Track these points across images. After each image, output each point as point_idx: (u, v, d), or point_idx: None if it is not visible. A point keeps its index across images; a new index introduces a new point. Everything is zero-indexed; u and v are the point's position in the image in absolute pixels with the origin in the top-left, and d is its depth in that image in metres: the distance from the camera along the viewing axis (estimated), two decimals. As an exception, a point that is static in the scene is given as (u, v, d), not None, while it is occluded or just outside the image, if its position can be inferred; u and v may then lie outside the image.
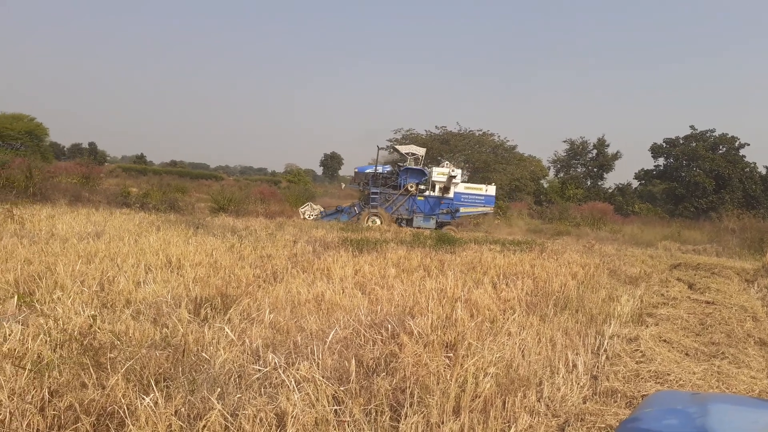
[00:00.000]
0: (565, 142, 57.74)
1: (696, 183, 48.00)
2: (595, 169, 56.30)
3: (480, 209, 28.14)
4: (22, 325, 4.68)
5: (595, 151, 56.25)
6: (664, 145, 52.47)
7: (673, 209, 47.64)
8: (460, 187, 27.69)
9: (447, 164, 28.26)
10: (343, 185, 32.61)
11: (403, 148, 28.36)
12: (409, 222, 26.83)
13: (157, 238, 11.10)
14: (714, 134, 50.12)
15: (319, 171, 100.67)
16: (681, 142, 51.29)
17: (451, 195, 27.28)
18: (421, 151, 28.41)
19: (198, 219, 18.31)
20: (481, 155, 50.61)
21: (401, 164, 28.26)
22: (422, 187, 27.35)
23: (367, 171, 28.58)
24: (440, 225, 27.07)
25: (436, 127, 51.77)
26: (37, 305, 5.43)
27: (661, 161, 53.57)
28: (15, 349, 4.21)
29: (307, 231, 17.08)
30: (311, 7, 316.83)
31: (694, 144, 50.21)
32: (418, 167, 27.53)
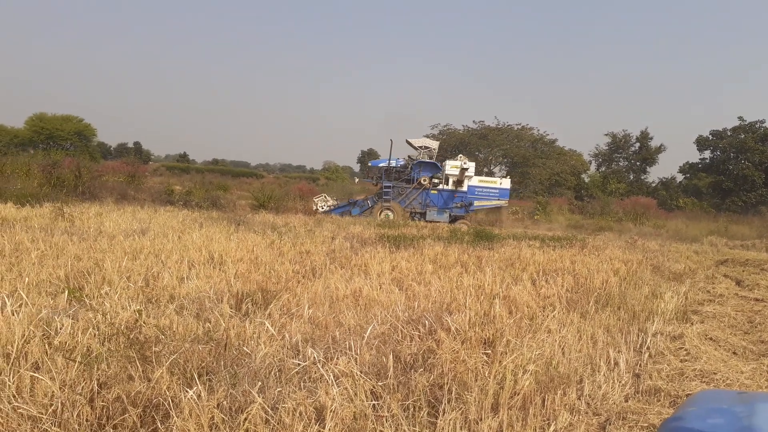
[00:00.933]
0: (606, 135, 56.67)
1: (744, 176, 46.39)
2: (637, 163, 54.99)
3: (494, 202, 27.79)
4: (72, 319, 4.86)
5: (638, 145, 54.93)
6: (711, 137, 50.81)
7: (719, 203, 46.15)
8: (474, 181, 27.39)
9: (461, 157, 27.91)
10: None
11: (417, 142, 28.07)
12: (423, 215, 26.57)
13: (200, 235, 11.34)
14: (764, 125, 48.24)
15: (357, 168, 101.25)
16: (729, 134, 49.56)
17: (464, 188, 27.02)
18: (434, 145, 28.15)
19: (239, 216, 18.63)
20: (519, 149, 50.05)
21: (415, 158, 28.00)
22: (436, 180, 27.11)
23: (381, 165, 28.45)
24: (454, 219, 26.78)
25: (473, 121, 51.53)
26: (86, 300, 5.62)
27: (707, 154, 51.95)
28: (66, 342, 4.38)
29: (344, 227, 17.19)
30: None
31: (742, 136, 48.44)
32: (431, 161, 27.28)
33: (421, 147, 27.76)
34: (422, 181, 26.67)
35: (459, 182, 26.78)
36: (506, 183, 27.90)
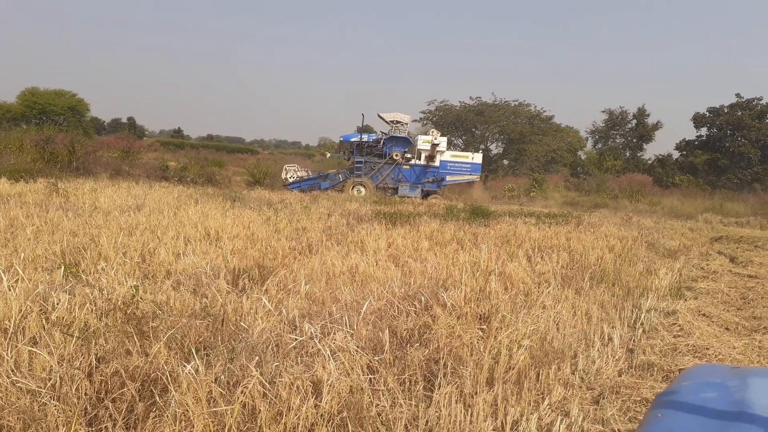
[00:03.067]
0: (603, 112, 56.26)
1: (740, 153, 46.33)
2: (634, 140, 54.83)
3: (466, 177, 27.73)
4: (69, 294, 4.87)
5: (634, 122, 54.69)
6: (708, 114, 50.51)
7: (715, 181, 46.17)
8: (447, 155, 27.23)
9: (432, 132, 27.71)
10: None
11: (388, 116, 27.56)
12: (395, 191, 26.45)
13: (196, 211, 11.32)
14: (761, 102, 47.95)
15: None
16: (725, 111, 49.29)
17: (437, 163, 26.92)
18: (406, 119, 27.74)
19: (235, 192, 18.58)
20: (516, 126, 49.81)
21: (386, 133, 27.75)
22: (408, 155, 26.96)
23: (352, 139, 27.85)
24: (426, 194, 26.70)
25: (470, 97, 51.05)
26: (82, 275, 5.62)
27: (703, 131, 51.67)
28: (63, 318, 4.39)
29: (340, 204, 17.18)
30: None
31: (739, 113, 48.13)
32: (403, 135, 27.04)
33: (392, 122, 27.32)
34: (394, 156, 26.48)
35: (431, 157, 26.63)
36: (478, 158, 27.82)
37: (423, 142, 26.83)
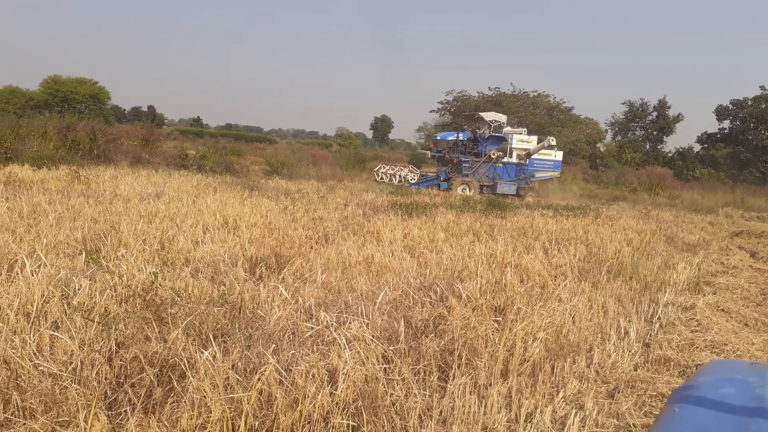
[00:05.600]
0: (623, 104, 55.51)
1: (764, 147, 45.52)
2: (654, 133, 54.02)
3: (549, 174, 28.09)
4: (90, 280, 4.95)
5: (655, 114, 53.83)
6: (731, 106, 49.64)
7: (737, 174, 45.40)
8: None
9: (524, 131, 28.18)
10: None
11: (488, 116, 28.17)
12: (492, 188, 26.68)
13: (214, 200, 11.42)
14: (787, 95, 47.10)
15: (370, 134, 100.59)
16: (749, 103, 48.36)
17: (526, 161, 27.33)
18: (503, 119, 28.28)
19: (252, 181, 18.69)
20: (535, 117, 49.31)
21: (477, 131, 28.14)
22: (500, 153, 27.23)
23: (449, 138, 28.66)
24: (517, 191, 27.09)
25: (489, 88, 50.62)
26: (103, 262, 5.71)
27: (726, 124, 50.84)
28: (84, 303, 4.48)
29: (357, 194, 17.21)
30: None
31: (764, 105, 47.24)
32: (500, 134, 27.41)
33: (492, 121, 27.81)
34: (492, 155, 26.75)
35: (528, 155, 27.03)
36: (559, 155, 28.22)
37: (518, 141, 27.21)
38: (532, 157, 27.17)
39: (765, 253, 11.75)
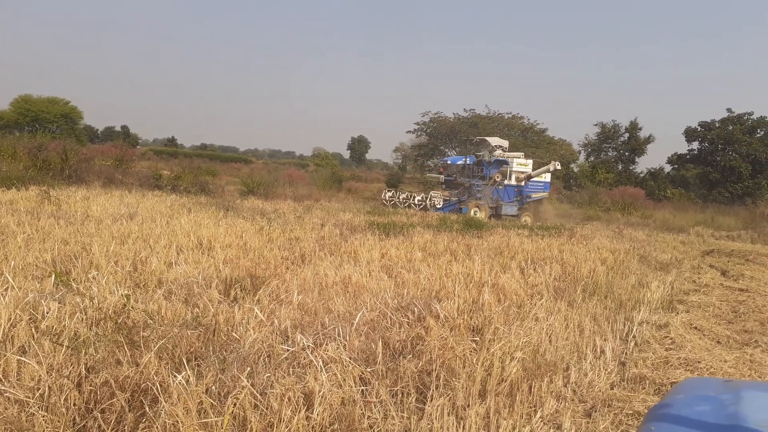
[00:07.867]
0: (596, 125, 56.65)
1: (731, 168, 46.70)
2: (626, 153, 55.14)
3: (540, 194, 29.36)
4: (59, 303, 4.83)
5: (627, 135, 55.01)
6: (699, 128, 50.94)
7: (706, 194, 46.48)
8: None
9: (522, 155, 29.62)
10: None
11: (493, 140, 29.41)
12: (496, 210, 27.48)
13: (188, 220, 11.27)
14: (752, 117, 48.44)
15: (347, 155, 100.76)
16: (717, 125, 49.72)
17: (522, 183, 28.38)
18: (505, 143, 29.64)
19: (228, 201, 18.52)
20: (509, 138, 49.97)
21: (479, 155, 29.46)
22: (501, 176, 28.00)
23: (459, 162, 30.09)
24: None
25: (464, 110, 51.22)
26: (73, 284, 5.58)
27: (695, 145, 52.11)
28: (53, 327, 4.35)
29: (334, 214, 17.16)
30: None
31: (730, 127, 48.57)
32: (502, 158, 28.43)
33: (496, 146, 28.95)
34: (496, 178, 27.61)
35: (529, 178, 28.09)
36: (548, 176, 29.39)
37: (518, 164, 28.39)
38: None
39: (735, 272, 11.99)
